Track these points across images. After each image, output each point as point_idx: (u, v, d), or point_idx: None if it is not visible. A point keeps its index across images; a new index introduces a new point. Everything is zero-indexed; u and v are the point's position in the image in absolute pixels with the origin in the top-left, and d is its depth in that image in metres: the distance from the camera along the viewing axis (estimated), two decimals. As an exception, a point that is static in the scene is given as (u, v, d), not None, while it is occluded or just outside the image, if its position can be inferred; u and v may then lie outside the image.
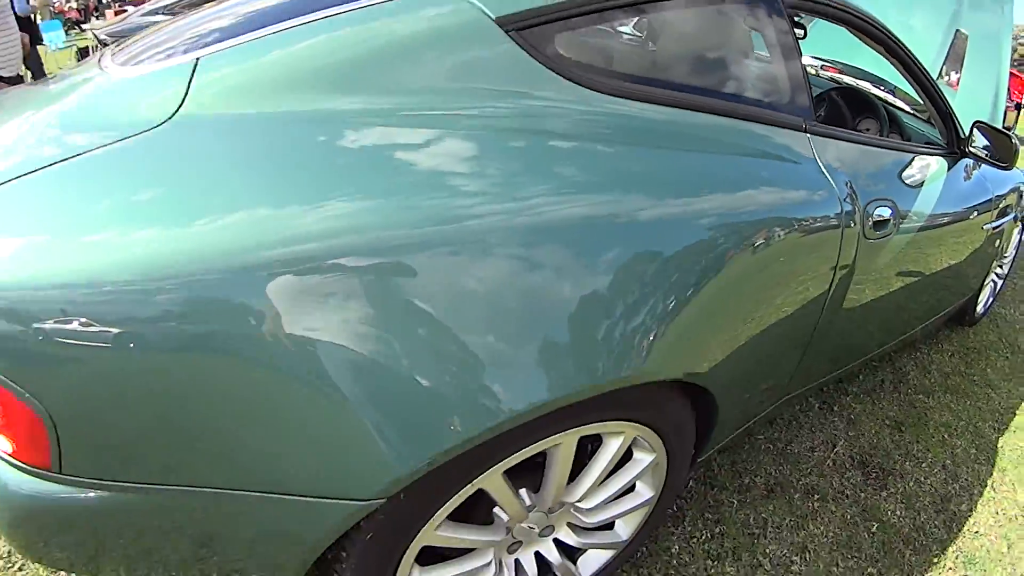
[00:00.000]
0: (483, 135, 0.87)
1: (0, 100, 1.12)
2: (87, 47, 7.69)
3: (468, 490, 0.94)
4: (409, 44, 0.88)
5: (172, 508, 0.83)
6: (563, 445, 1.01)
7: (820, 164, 1.30)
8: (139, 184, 0.74)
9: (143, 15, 4.68)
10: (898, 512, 1.85)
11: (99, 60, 1.10)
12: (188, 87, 0.83)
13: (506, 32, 0.91)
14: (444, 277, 0.78)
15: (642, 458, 1.19)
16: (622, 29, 1.26)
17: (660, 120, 1.05)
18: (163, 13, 4.72)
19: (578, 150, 0.93)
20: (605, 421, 1.02)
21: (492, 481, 0.96)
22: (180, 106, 0.81)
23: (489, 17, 0.91)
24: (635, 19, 1.21)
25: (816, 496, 1.86)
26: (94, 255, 0.69)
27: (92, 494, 0.80)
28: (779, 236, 1.14)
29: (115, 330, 0.69)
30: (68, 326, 0.68)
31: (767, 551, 1.64)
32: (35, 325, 0.68)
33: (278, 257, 0.71)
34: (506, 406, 0.82)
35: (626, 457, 1.20)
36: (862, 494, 1.90)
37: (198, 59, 0.87)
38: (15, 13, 5.53)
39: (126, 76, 0.93)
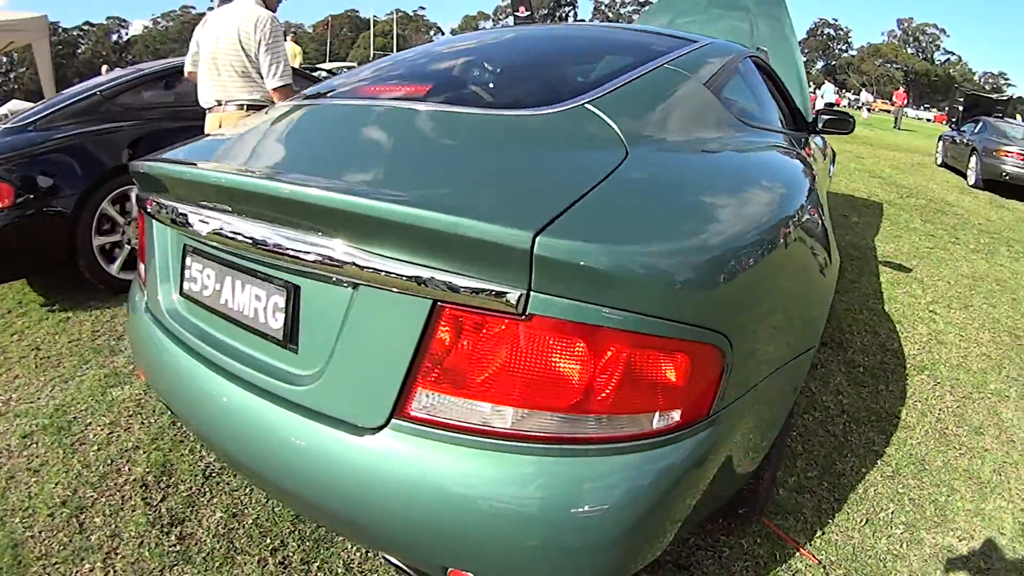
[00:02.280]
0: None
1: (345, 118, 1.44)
2: None
3: None
4: (701, 99, 1.58)
5: (781, 384, 1.21)
6: None
7: (798, 146, 2.36)
8: (662, 194, 1.10)
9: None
10: (866, 357, 2.98)
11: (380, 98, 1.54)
12: (608, 123, 1.23)
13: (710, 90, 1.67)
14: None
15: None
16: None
17: (774, 137, 1.96)
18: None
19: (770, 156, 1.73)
20: None
21: None
22: (623, 139, 1.19)
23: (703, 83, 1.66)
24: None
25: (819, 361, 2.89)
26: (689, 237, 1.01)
27: (733, 413, 1.03)
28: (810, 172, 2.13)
29: (767, 252, 1.11)
30: (719, 269, 0.98)
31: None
32: (688, 277, 0.92)
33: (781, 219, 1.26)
34: None
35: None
36: (839, 357, 3.00)
37: (584, 104, 1.29)
38: None
39: (514, 113, 1.29)
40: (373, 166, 1.17)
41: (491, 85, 1.64)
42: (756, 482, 1.50)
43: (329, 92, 1.80)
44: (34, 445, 2.12)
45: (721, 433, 1.04)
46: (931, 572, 1.68)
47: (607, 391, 0.89)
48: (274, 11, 2.98)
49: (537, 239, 0.82)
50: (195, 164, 1.28)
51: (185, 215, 1.23)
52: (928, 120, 47.00)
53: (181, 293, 1.37)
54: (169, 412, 1.62)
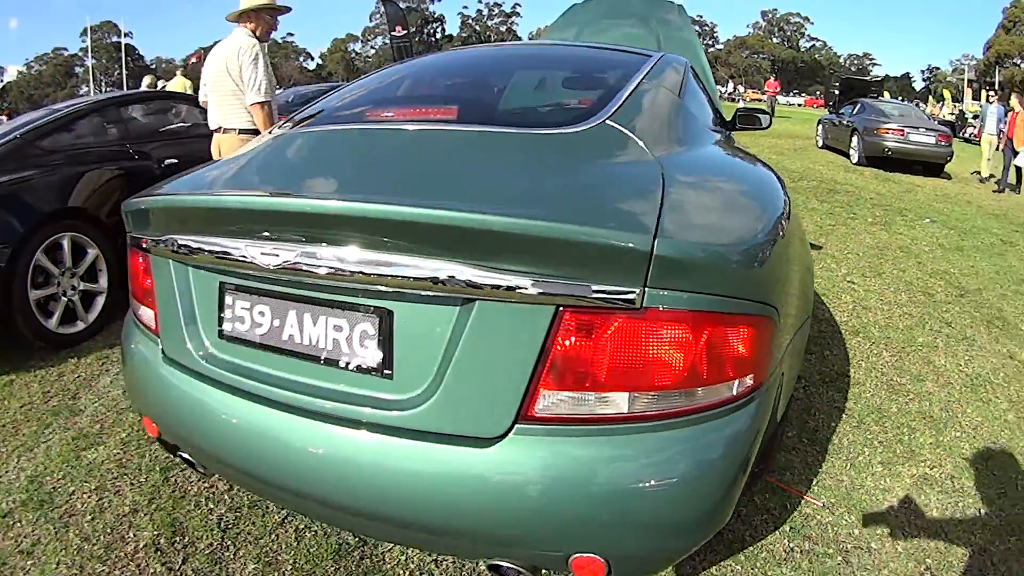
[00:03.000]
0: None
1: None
2: None
3: None
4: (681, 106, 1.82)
5: (798, 347, 1.51)
6: None
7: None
8: (701, 194, 1.34)
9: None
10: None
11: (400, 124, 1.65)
12: (631, 136, 1.44)
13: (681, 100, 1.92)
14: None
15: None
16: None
17: (727, 139, 2.24)
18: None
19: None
20: None
21: None
22: (646, 150, 1.41)
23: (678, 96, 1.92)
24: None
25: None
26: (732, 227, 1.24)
27: (776, 374, 1.25)
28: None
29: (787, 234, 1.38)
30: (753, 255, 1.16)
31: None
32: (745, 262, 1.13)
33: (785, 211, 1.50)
34: None
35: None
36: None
37: (604, 120, 1.48)
38: None
39: (549, 132, 1.45)
40: (455, 185, 1.24)
41: (507, 105, 1.82)
42: (771, 439, 1.73)
43: (340, 118, 1.88)
44: (18, 524, 2.02)
45: (772, 393, 1.25)
46: (915, 497, 2.01)
47: (706, 365, 1.06)
48: (264, 41, 3.39)
49: (655, 241, 0.98)
50: (254, 192, 1.28)
51: (233, 251, 1.20)
52: (799, 105, 51.83)
53: (221, 336, 1.33)
54: (196, 465, 1.54)
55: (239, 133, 3.30)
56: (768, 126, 3.31)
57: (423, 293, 1.07)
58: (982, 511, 1.97)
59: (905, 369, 2.94)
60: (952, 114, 25.57)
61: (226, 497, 2.09)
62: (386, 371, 1.13)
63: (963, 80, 51.80)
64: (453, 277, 1.02)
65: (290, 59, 72.11)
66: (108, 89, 58.34)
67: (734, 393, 1.11)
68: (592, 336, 1.03)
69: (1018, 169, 9.79)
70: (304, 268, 1.11)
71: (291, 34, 76.13)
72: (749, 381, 1.13)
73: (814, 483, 2.09)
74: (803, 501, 1.99)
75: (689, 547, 1.18)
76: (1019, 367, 3.01)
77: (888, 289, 4.09)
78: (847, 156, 11.28)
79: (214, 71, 3.32)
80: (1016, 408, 2.61)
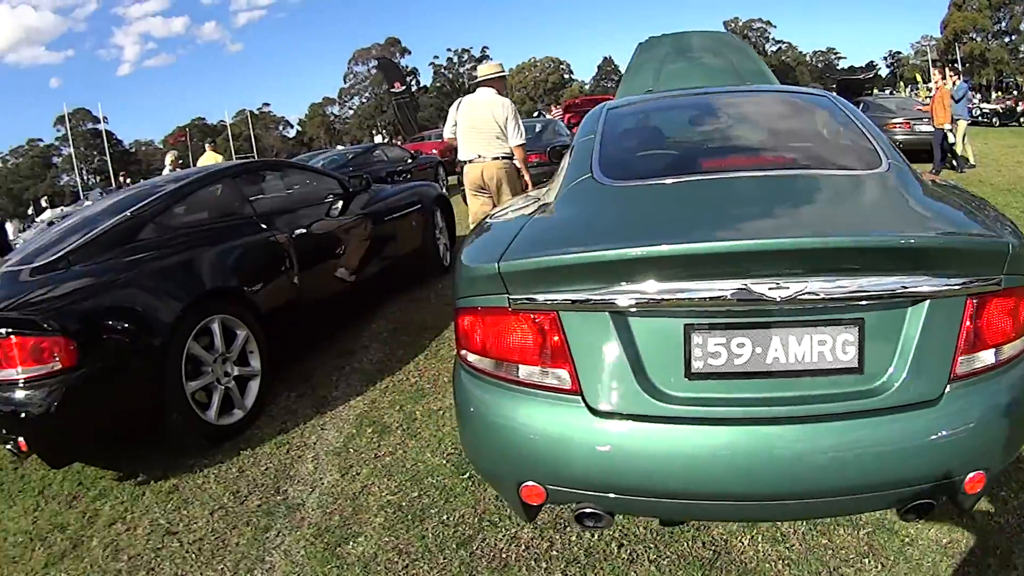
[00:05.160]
0: None
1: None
2: None
3: None
4: None
5: None
6: None
7: None
8: (971, 206, 1.88)
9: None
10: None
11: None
12: (910, 171, 1.97)
13: None
14: None
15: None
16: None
17: None
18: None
19: None
20: None
21: None
22: (923, 183, 1.94)
23: None
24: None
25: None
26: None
27: None
28: None
29: None
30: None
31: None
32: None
33: None
34: None
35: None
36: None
37: (891, 161, 2.02)
38: None
39: (865, 173, 1.98)
40: (875, 218, 1.80)
41: (813, 150, 2.31)
42: None
43: (696, 168, 2.29)
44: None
45: None
46: None
47: (1019, 324, 1.57)
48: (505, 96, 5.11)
49: (1010, 243, 1.52)
50: (746, 238, 1.55)
51: (731, 291, 1.48)
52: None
53: (688, 375, 1.56)
54: (596, 517, 1.66)
55: (496, 159, 4.86)
56: None
57: (890, 301, 1.51)
58: None
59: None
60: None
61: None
62: (860, 369, 1.53)
63: (927, 61, 53.35)
64: (918, 286, 1.49)
65: (269, 129, 71.64)
66: (92, 177, 58.12)
67: (1016, 352, 1.61)
68: (980, 313, 1.54)
69: (951, 146, 10.43)
70: (807, 297, 1.48)
71: (267, 104, 75.64)
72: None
73: None
74: None
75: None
76: None
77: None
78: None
79: (477, 116, 4.86)
80: None
